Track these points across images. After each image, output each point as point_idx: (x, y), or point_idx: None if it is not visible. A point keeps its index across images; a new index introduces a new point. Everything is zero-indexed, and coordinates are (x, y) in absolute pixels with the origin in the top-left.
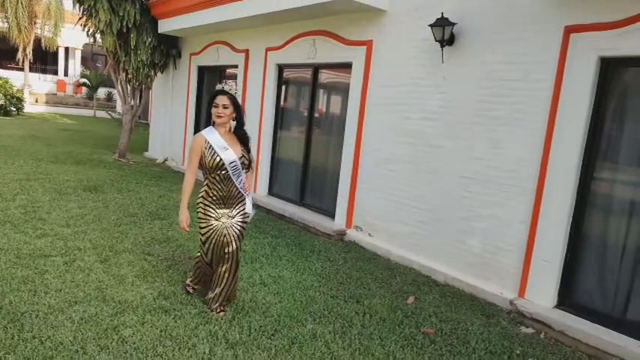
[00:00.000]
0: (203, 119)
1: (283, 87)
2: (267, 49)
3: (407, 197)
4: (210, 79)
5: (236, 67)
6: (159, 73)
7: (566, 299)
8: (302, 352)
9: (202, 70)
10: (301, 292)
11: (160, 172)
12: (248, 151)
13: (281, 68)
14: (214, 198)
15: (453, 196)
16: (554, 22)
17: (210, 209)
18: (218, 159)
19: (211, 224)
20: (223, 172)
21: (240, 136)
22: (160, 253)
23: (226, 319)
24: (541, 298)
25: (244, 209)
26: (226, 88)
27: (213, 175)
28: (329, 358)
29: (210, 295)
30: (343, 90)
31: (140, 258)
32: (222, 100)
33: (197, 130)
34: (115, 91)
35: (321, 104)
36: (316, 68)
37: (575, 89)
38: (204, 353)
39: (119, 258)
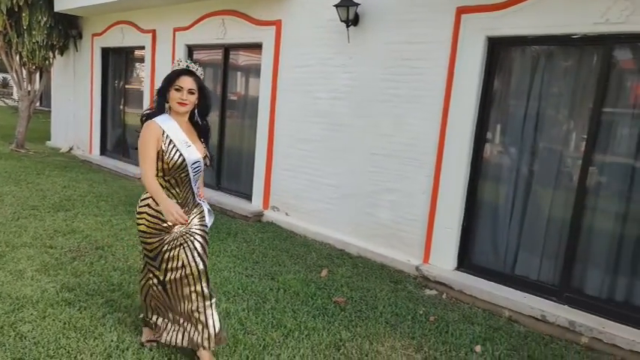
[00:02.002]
0: (110, 103)
1: None
2: (175, 30)
3: (320, 175)
4: (116, 61)
5: (143, 48)
6: (58, 56)
7: (465, 261)
8: None
9: (107, 52)
10: (216, 274)
11: (65, 162)
12: (207, 144)
13: (191, 49)
14: None
15: (362, 172)
16: (448, 4)
17: (159, 221)
18: (180, 158)
19: (158, 238)
20: (183, 174)
21: (202, 128)
22: (63, 245)
23: (135, 306)
24: (443, 262)
25: (202, 211)
26: (192, 66)
27: (167, 178)
28: (242, 333)
29: (196, 337)
30: (255, 71)
31: (41, 251)
32: (188, 82)
33: (104, 115)
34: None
35: (234, 86)
36: (227, 49)
37: (467, 67)
38: (112, 341)
39: (17, 253)
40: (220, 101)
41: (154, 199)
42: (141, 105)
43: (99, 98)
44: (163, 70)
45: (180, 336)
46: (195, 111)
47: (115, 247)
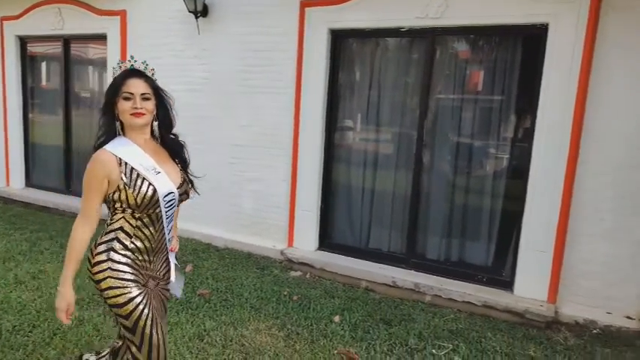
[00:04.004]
0: None
1: (30, 63)
2: (3, 19)
3: None
4: None
5: None
6: None
7: (326, 241)
8: (66, 340)
9: None
10: None
11: None
12: (186, 167)
13: (23, 41)
14: (136, 251)
15: (224, 164)
16: None
17: (126, 268)
18: (150, 191)
19: (133, 295)
20: (158, 209)
21: (171, 144)
22: None
23: None
24: (306, 244)
25: (168, 272)
26: (139, 65)
27: (139, 215)
28: (97, 339)
29: None
30: (102, 64)
31: None
32: (138, 85)
33: None
34: None
35: (79, 81)
36: (67, 40)
37: (314, 58)
38: None
39: None
40: (63, 98)
41: (119, 241)
42: None
43: None
44: None
45: None
46: (154, 124)
47: None
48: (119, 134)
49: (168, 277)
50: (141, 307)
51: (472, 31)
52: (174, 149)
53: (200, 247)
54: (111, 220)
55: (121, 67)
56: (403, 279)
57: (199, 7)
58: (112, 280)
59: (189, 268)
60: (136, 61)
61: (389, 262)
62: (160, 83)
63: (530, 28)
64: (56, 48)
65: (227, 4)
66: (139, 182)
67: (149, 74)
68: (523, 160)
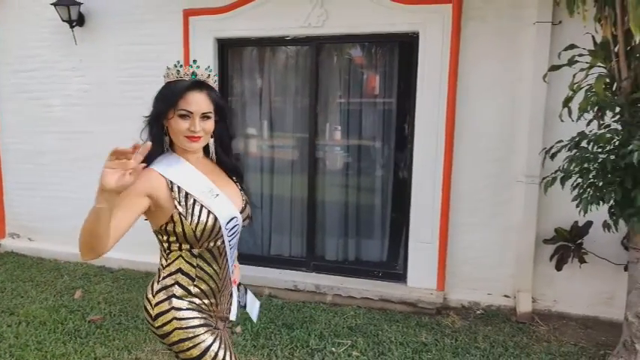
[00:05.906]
0: None
1: None
2: None
3: (64, 190)
4: None
5: None
6: None
7: None
8: None
9: None
10: None
11: None
12: (242, 183)
13: None
14: (200, 295)
15: None
16: (175, 5)
17: (193, 314)
18: (210, 220)
19: (208, 344)
20: (220, 241)
21: (228, 163)
22: None
23: None
24: None
25: (230, 310)
26: (201, 74)
27: (199, 251)
28: None
29: None
30: None
31: None
32: (200, 102)
33: None
34: None
35: None
36: None
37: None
38: None
39: None
40: None
41: (180, 285)
42: None
43: None
44: None
45: None
46: (211, 142)
47: None
48: (167, 150)
49: (229, 312)
50: (220, 354)
51: (352, 38)
52: (230, 167)
53: (92, 270)
54: (166, 260)
55: (179, 71)
56: (304, 282)
57: (74, 16)
58: (180, 331)
59: (78, 294)
60: (198, 66)
61: (290, 267)
62: (34, 97)
63: (404, 36)
64: None
65: (106, 12)
66: (196, 210)
67: (212, 83)
68: (407, 160)
